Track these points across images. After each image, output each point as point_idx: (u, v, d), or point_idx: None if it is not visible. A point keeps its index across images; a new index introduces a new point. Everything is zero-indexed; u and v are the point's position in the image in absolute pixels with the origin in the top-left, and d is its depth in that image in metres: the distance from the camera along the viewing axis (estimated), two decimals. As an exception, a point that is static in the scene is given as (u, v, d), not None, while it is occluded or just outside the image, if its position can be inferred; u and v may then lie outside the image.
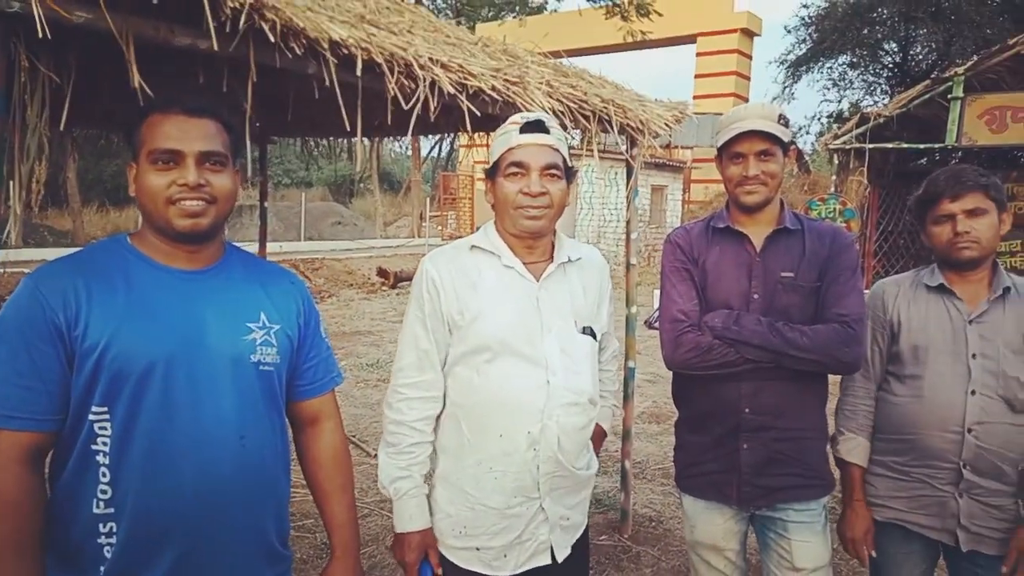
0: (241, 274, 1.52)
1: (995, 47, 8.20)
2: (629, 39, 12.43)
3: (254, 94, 1.71)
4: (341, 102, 1.80)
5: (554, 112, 2.40)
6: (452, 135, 4.04)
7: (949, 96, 7.98)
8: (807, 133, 22.29)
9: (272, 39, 1.57)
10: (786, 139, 1.91)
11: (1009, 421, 1.87)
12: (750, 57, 24.20)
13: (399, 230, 27.10)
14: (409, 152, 29.41)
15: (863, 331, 1.86)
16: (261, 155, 4.64)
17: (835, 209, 8.27)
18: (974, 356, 1.89)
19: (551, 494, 1.74)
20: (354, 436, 5.08)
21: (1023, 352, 1.87)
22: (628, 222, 3.62)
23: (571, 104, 2.56)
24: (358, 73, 1.80)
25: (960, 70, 8.03)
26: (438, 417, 1.77)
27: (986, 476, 1.88)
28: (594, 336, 1.81)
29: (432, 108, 2.02)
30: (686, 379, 2.05)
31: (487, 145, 3.87)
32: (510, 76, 2.20)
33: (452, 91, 1.99)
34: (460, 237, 1.80)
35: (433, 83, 1.99)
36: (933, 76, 8.94)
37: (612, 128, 2.80)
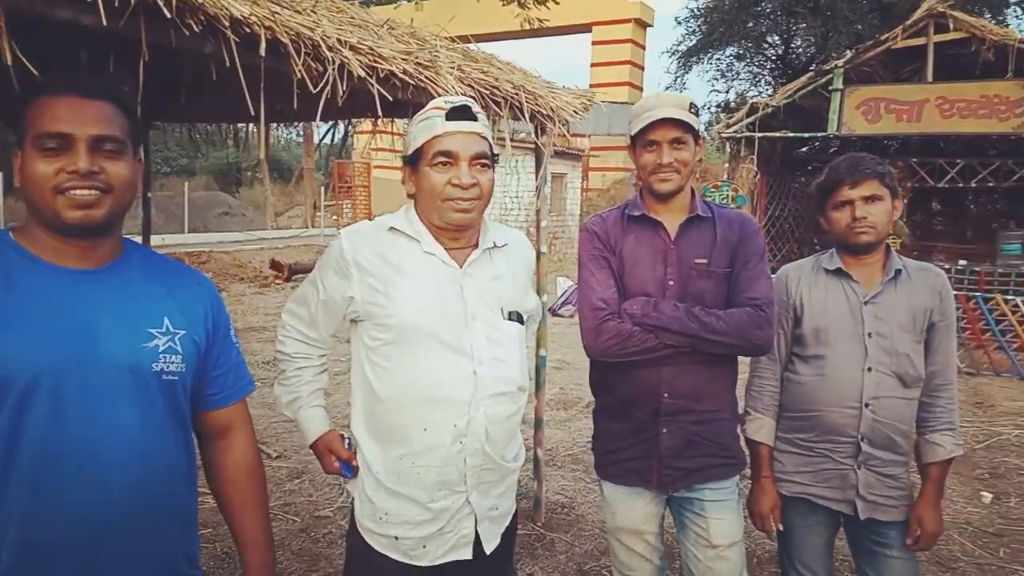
0: (142, 274, 1.38)
1: (869, 42, 8.78)
2: (527, 26, 12.46)
3: (141, 76, 1.57)
4: (244, 85, 1.68)
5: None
6: (348, 121, 3.90)
7: (830, 88, 8.48)
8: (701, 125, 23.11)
9: (168, 14, 1.43)
10: (697, 127, 1.95)
11: (900, 395, 1.99)
12: (644, 47, 24.83)
13: (292, 220, 26.18)
14: (300, 138, 28.40)
15: (773, 313, 1.92)
16: (144, 142, 4.33)
17: (728, 195, 8.65)
18: (870, 335, 1.99)
19: (478, 487, 1.70)
20: (256, 436, 4.86)
21: (912, 331, 2.00)
22: (539, 210, 3.62)
23: (483, 90, 2.51)
24: (262, 53, 1.68)
25: (840, 63, 8.55)
26: (361, 405, 1.72)
27: (881, 448, 2.00)
28: (521, 321, 1.78)
29: (341, 92, 1.93)
30: (606, 367, 2.05)
31: (391, 132, 3.77)
32: (422, 60, 2.13)
33: (363, 74, 1.90)
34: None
35: (342, 66, 1.89)
36: (814, 68, 9.46)
37: (523, 115, 2.78)
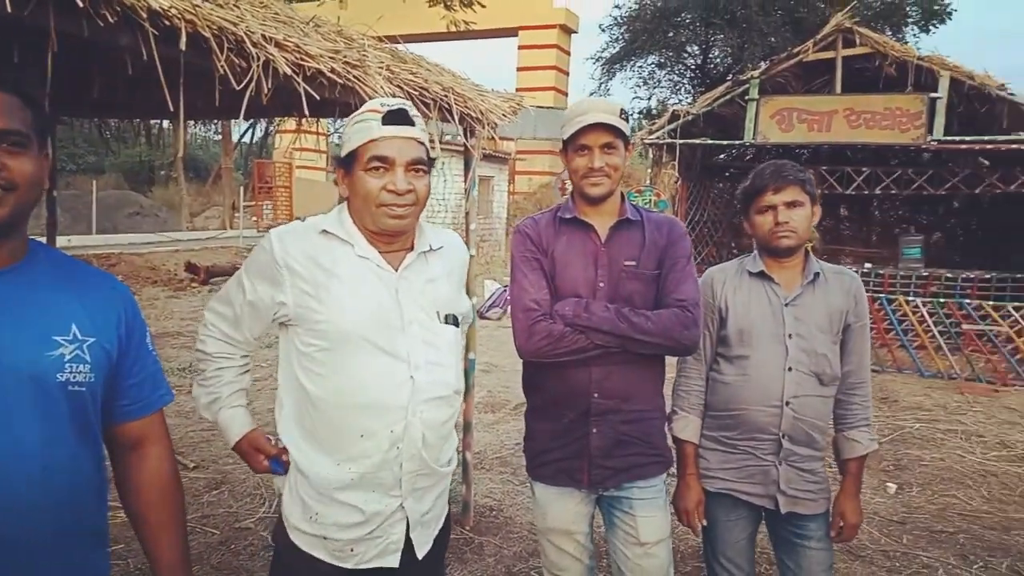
0: (49, 278, 1.29)
1: (782, 55, 9.17)
2: (452, 28, 12.42)
3: (50, 68, 1.48)
4: (163, 80, 1.60)
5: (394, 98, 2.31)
6: (269, 120, 3.79)
7: (746, 97, 8.80)
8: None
9: (80, 4, 1.35)
10: (627, 133, 1.98)
11: (818, 394, 2.08)
12: (569, 53, 25.17)
13: (208, 221, 25.24)
14: (218, 136, 27.42)
15: (699, 314, 1.97)
16: (51, 137, 4.07)
17: (651, 200, 8.85)
18: (790, 336, 2.07)
19: (413, 493, 1.69)
20: (173, 445, 4.66)
21: (829, 331, 2.09)
22: (468, 213, 3.61)
23: (412, 91, 2.48)
24: (182, 48, 1.61)
25: (755, 74, 8.89)
26: (293, 410, 1.67)
27: (800, 444, 2.08)
28: (456, 323, 1.77)
29: (266, 90, 1.87)
30: (537, 368, 2.07)
31: (315, 131, 3.68)
32: (350, 59, 2.08)
33: (289, 72, 1.84)
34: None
35: (267, 63, 1.84)
36: (731, 78, 9.82)
37: (453, 117, 2.76)
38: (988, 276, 9.23)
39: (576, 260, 2.02)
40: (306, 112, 1.99)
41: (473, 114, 2.85)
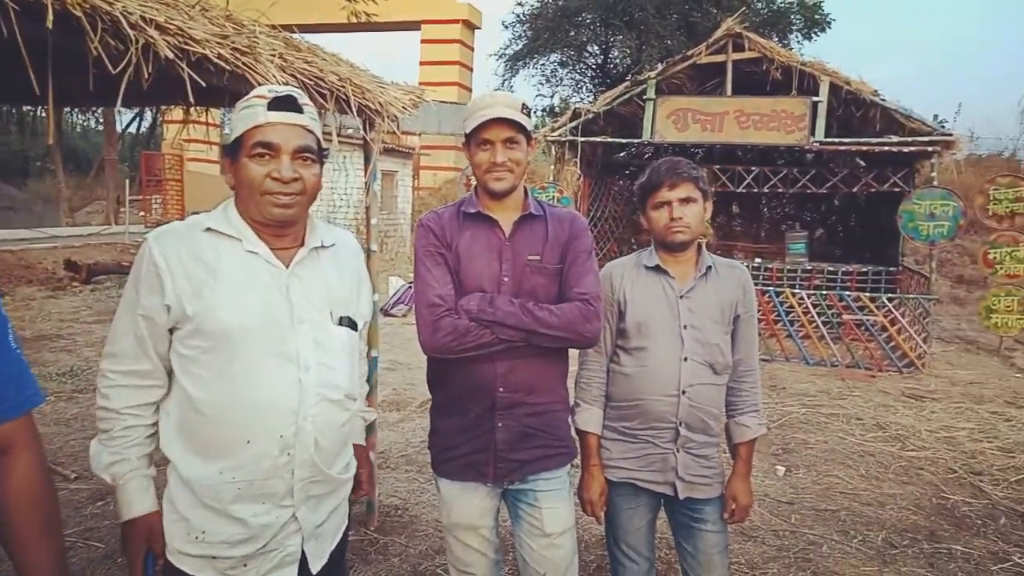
0: None
1: (677, 57, 9.48)
2: (354, 19, 12.15)
3: None
4: (28, 61, 1.47)
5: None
6: (155, 109, 3.59)
7: (644, 97, 9.05)
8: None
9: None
10: (529, 128, 1.99)
11: (712, 382, 2.16)
12: (472, 48, 25.13)
13: (91, 216, 23.67)
14: (101, 126, 25.73)
15: (600, 308, 2.01)
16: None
17: (554, 197, 8.96)
18: (685, 327, 2.14)
19: (307, 502, 1.62)
20: (48, 459, 4.34)
21: (721, 322, 2.17)
22: (368, 207, 3.54)
23: (307, 81, 2.40)
24: (48, 26, 1.48)
25: (652, 74, 9.16)
26: (175, 418, 1.57)
27: (696, 431, 2.16)
28: (354, 327, 1.72)
29: (146, 75, 1.75)
30: (442, 364, 2.05)
31: (204, 122, 3.50)
32: (239, 45, 1.99)
33: (171, 56, 1.74)
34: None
35: (147, 46, 1.72)
36: (630, 78, 10.07)
37: (351, 109, 2.69)
38: (865, 269, 9.90)
39: (480, 255, 2.01)
40: (192, 100, 1.88)
41: (372, 106, 2.79)
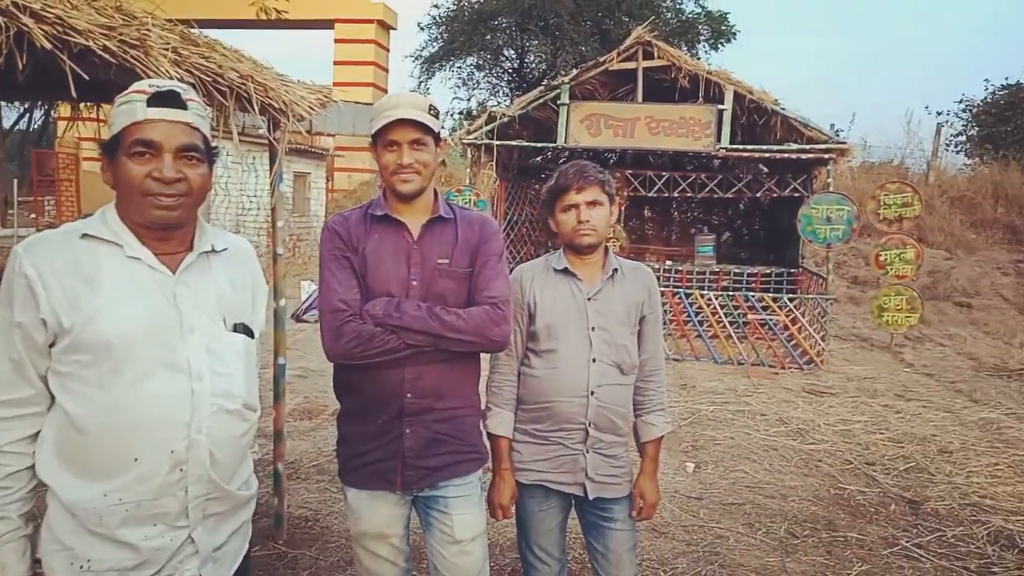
0: None
1: (590, 63, 9.65)
2: (263, 16, 11.78)
3: None
4: None
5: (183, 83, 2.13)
6: (47, 104, 3.37)
7: (558, 102, 9.16)
8: (442, 128, 23.75)
9: None
10: (437, 129, 1.96)
11: (619, 382, 2.20)
12: (388, 49, 24.84)
13: (-24, 218, 22.03)
14: (-13, 121, 23.97)
15: (510, 311, 2.00)
16: None
17: (470, 200, 8.94)
18: (593, 329, 2.16)
19: (204, 522, 1.53)
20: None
21: (628, 323, 2.21)
22: (274, 209, 3.43)
23: (204, 77, 2.30)
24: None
25: (566, 80, 9.28)
26: (53, 439, 1.45)
27: (605, 431, 2.18)
28: (250, 335, 1.64)
29: (20, 66, 1.63)
30: (348, 370, 2.00)
31: (96, 119, 3.31)
32: (128, 37, 1.88)
33: (48, 46, 1.62)
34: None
35: (21, 35, 1.60)
36: (544, 83, 10.17)
37: (253, 107, 2.60)
38: (768, 271, 10.34)
39: (388, 258, 1.97)
40: (74, 94, 1.76)
41: (276, 105, 2.69)
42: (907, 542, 3.89)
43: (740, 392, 7.15)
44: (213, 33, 2.80)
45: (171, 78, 2.03)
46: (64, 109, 3.42)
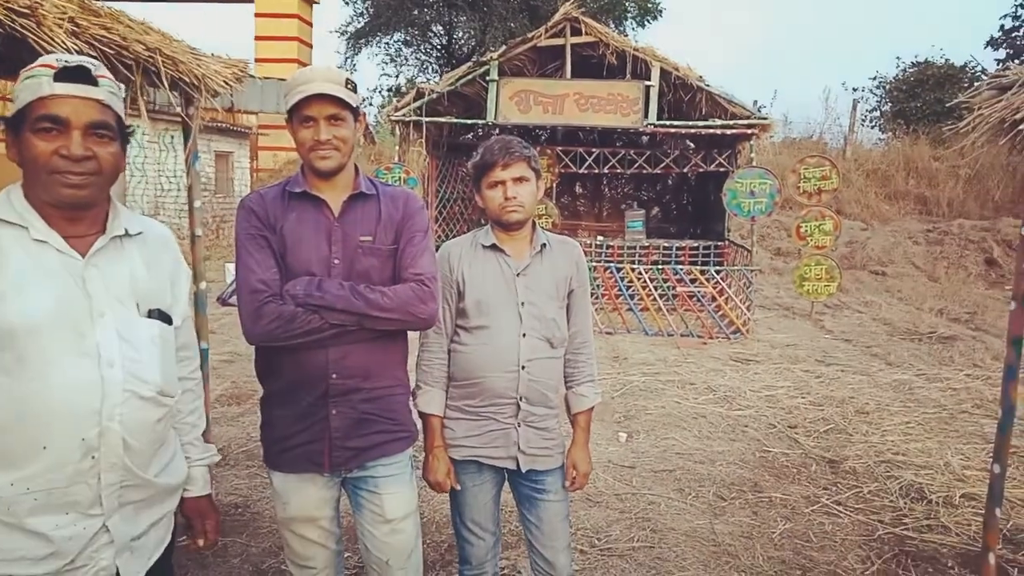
0: None
1: (518, 39, 9.60)
2: (177, -12, 11.25)
3: None
4: None
5: (81, 55, 2.01)
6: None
7: (487, 78, 9.09)
8: (370, 105, 23.28)
9: None
10: (355, 103, 1.91)
11: (549, 355, 2.21)
12: (311, 24, 24.06)
13: None
14: None
15: (437, 288, 1.98)
16: None
17: (400, 178, 8.82)
18: (523, 304, 2.17)
19: (120, 511, 1.49)
20: None
21: (556, 297, 2.22)
22: (190, 189, 3.29)
23: (107, 49, 2.17)
24: None
25: (495, 55, 9.21)
26: None
27: (536, 404, 2.20)
28: (167, 321, 1.60)
29: None
30: (270, 352, 1.95)
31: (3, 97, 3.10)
32: (16, 4, 1.75)
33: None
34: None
35: None
36: (473, 59, 10.07)
37: (162, 82, 2.47)
38: (696, 244, 10.59)
39: (308, 236, 1.92)
40: (-42, 65, 1.64)
41: (188, 79, 2.57)
42: (827, 499, 4.08)
43: (670, 363, 7.33)
44: (122, 6, 2.64)
45: (68, 50, 1.92)
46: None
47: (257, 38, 22.89)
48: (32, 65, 1.43)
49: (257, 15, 22.92)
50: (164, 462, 1.62)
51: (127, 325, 1.50)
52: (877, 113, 22.35)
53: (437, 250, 2.13)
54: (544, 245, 2.21)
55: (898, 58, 21.71)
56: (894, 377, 6.83)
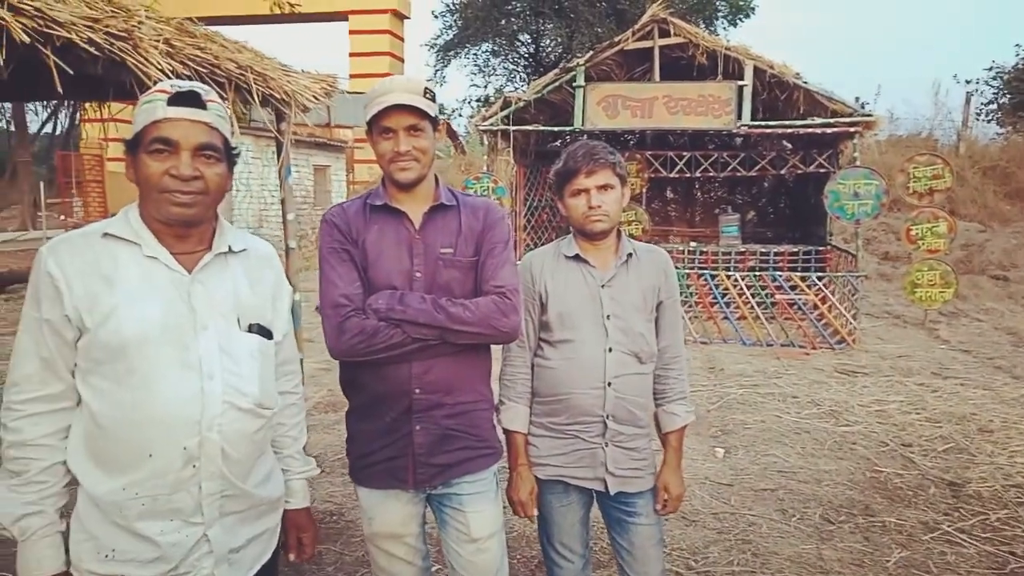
0: None
1: (605, 43, 9.46)
2: (277, 10, 11.75)
3: None
4: None
5: (178, 76, 2.07)
6: (71, 107, 3.36)
7: (574, 84, 9.00)
8: (460, 116, 23.66)
9: None
10: (433, 113, 1.87)
11: (638, 371, 2.10)
12: (402, 39, 24.72)
13: (7, 222, 22.42)
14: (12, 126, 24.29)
15: (519, 300, 1.91)
16: None
17: (488, 187, 8.84)
18: (608, 317, 2.07)
19: (220, 521, 1.54)
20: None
21: (644, 310, 2.11)
22: (283, 202, 3.37)
23: (200, 68, 2.23)
24: None
25: (581, 61, 9.11)
26: (81, 432, 1.49)
27: (624, 423, 2.09)
28: (267, 335, 1.64)
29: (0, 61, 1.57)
30: (354, 366, 1.93)
31: (113, 119, 3.28)
32: (114, 28, 1.81)
33: (25, 39, 1.56)
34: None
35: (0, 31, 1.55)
36: (560, 66, 10.01)
37: (254, 99, 2.53)
38: (795, 250, 10.11)
39: (389, 250, 1.89)
40: (59, 89, 1.70)
41: (277, 95, 2.62)
42: (949, 526, 3.74)
43: (769, 374, 7.00)
44: (228, 30, 2.74)
45: (164, 70, 1.97)
46: (91, 111, 3.41)
47: (351, 54, 23.71)
48: (151, 90, 1.51)
49: (351, 32, 23.75)
50: (263, 474, 1.65)
51: (228, 339, 1.55)
52: (994, 106, 20.76)
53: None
54: (630, 255, 2.11)
55: (1018, 46, 20.06)
56: (1022, 392, 6.25)
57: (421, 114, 1.83)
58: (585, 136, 9.37)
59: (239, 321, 1.58)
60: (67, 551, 1.51)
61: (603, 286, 2.08)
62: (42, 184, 20.27)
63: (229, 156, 1.56)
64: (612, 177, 2.04)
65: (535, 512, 2.17)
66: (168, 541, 1.48)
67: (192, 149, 1.47)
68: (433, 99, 1.88)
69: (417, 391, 1.87)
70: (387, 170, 1.89)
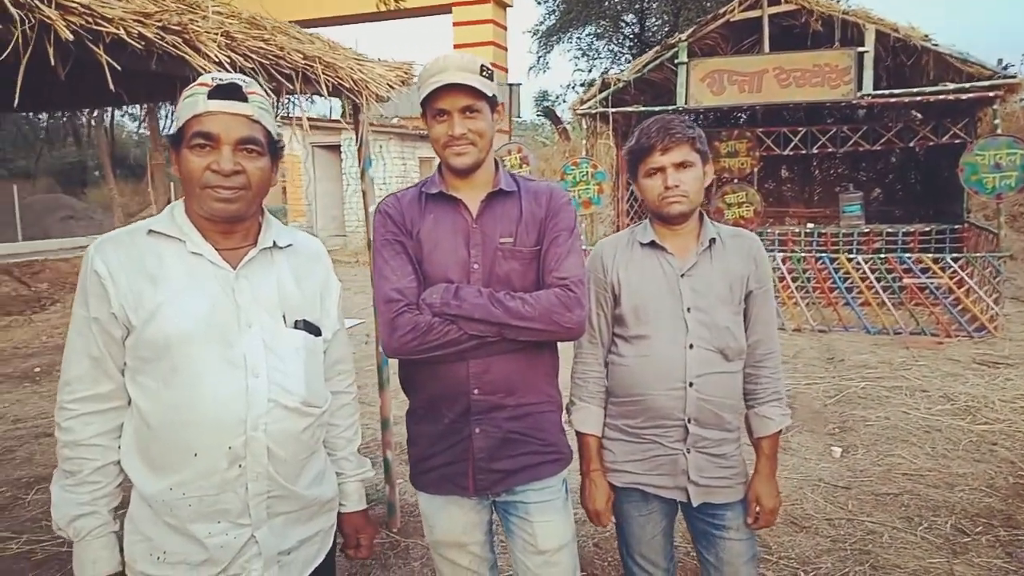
0: None
1: (709, 16, 8.99)
2: (383, 7, 11.99)
3: None
4: None
5: (239, 69, 2.03)
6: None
7: (676, 61, 8.60)
8: (564, 101, 23.42)
9: None
10: (491, 93, 1.73)
11: (724, 370, 1.88)
12: (505, 27, 24.66)
13: (147, 223, 24.27)
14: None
15: (584, 293, 1.74)
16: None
17: (588, 172, 8.62)
18: (688, 310, 1.86)
19: (269, 522, 1.50)
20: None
21: (731, 301, 1.88)
22: (364, 194, 3.33)
23: (264, 61, 2.19)
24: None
25: (683, 37, 8.69)
26: (132, 432, 1.48)
27: (709, 427, 1.88)
28: (315, 332, 1.59)
29: (52, 62, 1.57)
30: (411, 365, 1.83)
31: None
32: (167, 23, 1.78)
33: (70, 37, 1.54)
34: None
35: (47, 27, 1.54)
36: (661, 44, 9.61)
37: (322, 88, 2.48)
38: (927, 229, 9.27)
39: (445, 240, 1.77)
40: (111, 87, 1.69)
41: (346, 84, 2.56)
42: (1110, 544, 3.25)
43: (896, 365, 6.42)
44: (336, 31, 2.71)
45: (218, 64, 1.94)
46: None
47: (456, 46, 23.92)
48: (192, 84, 1.47)
49: (455, 24, 23.97)
50: (313, 475, 1.60)
51: (273, 335, 1.51)
52: None
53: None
54: (714, 240, 1.89)
55: None
56: None
57: (477, 94, 1.69)
58: (691, 115, 8.95)
59: (284, 317, 1.54)
60: (122, 551, 1.50)
61: (683, 276, 1.87)
62: (172, 185, 21.82)
63: (272, 149, 1.51)
64: (691, 153, 1.82)
65: (611, 521, 2.00)
66: (215, 543, 1.45)
67: (233, 143, 1.43)
68: (491, 77, 1.73)
69: (476, 392, 1.75)
70: (442, 155, 1.76)
